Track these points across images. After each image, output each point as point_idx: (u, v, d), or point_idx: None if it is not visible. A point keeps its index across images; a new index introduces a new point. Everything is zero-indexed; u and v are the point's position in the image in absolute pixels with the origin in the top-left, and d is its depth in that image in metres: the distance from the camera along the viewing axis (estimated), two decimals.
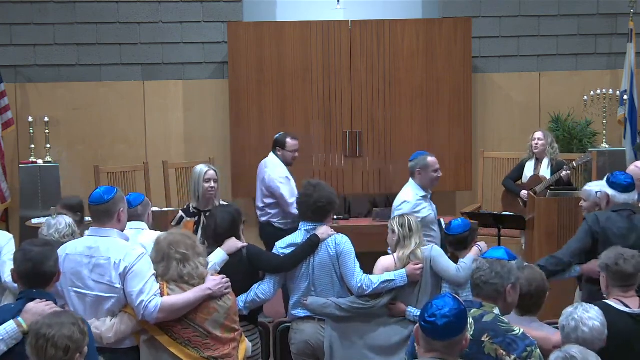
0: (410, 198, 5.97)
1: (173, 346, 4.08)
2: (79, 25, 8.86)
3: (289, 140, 7.33)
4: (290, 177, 7.23)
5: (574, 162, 7.60)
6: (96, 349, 4.04)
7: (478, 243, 5.25)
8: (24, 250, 3.81)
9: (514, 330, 3.42)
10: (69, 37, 8.86)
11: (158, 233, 4.78)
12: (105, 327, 4.07)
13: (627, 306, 3.99)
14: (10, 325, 3.58)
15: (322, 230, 4.94)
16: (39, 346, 3.08)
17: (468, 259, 5.03)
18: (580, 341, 3.55)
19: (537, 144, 7.67)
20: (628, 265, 4.04)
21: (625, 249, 4.18)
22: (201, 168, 5.96)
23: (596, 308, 3.71)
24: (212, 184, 5.91)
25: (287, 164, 7.31)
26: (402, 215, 5.10)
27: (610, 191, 4.98)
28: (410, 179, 6.14)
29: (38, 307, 3.65)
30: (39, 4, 8.79)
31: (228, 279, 4.31)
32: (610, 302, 4.03)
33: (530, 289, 3.98)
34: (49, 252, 3.85)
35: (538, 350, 3.41)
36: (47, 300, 3.73)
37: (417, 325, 3.08)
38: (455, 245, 5.27)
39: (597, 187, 5.42)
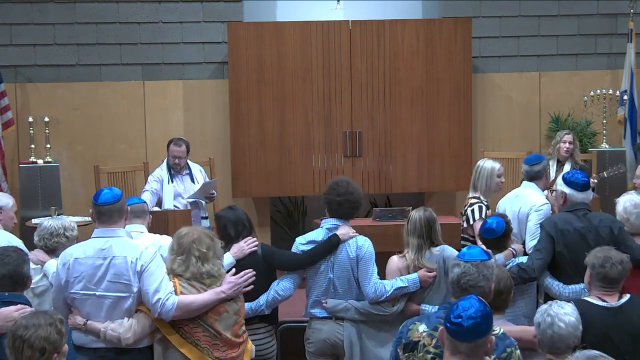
0: (545, 201, 5.77)
1: (184, 347, 4.10)
2: (79, 25, 8.86)
3: (171, 145, 7.65)
4: (162, 179, 7.56)
5: (604, 173, 7.51)
6: (109, 349, 4.08)
7: (513, 246, 5.14)
8: (0, 256, 3.83)
9: (494, 331, 3.43)
10: (69, 37, 8.86)
11: (157, 236, 4.80)
12: (123, 328, 4.08)
13: (604, 301, 4.04)
14: None
15: (344, 231, 4.92)
16: (15, 347, 3.11)
17: (497, 258, 4.96)
18: (556, 337, 3.58)
19: (567, 147, 7.49)
20: (614, 270, 4.05)
21: (614, 251, 4.18)
22: (492, 164, 6.15)
23: (571, 304, 3.75)
24: (503, 179, 6.22)
25: (171, 167, 7.64)
26: (412, 211, 5.05)
27: (567, 190, 4.97)
28: (530, 182, 5.91)
29: (8, 312, 3.68)
30: (39, 4, 8.79)
31: (251, 274, 4.36)
32: (588, 298, 4.08)
33: (499, 286, 4.01)
34: (24, 256, 3.93)
35: (518, 351, 3.43)
36: (21, 303, 3.76)
37: (442, 327, 3.08)
38: (495, 247, 5.05)
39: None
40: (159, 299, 4.04)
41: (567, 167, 7.46)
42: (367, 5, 9.19)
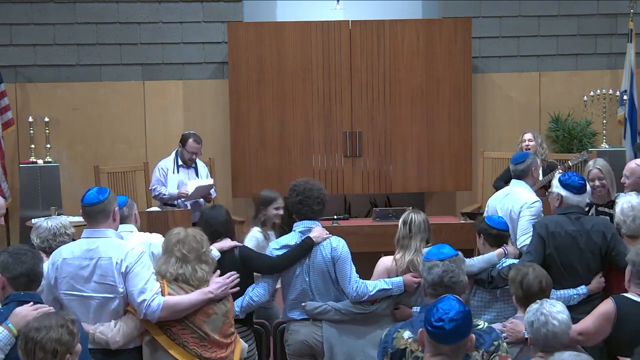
0: (537, 198, 5.78)
1: (173, 348, 4.08)
2: (79, 25, 8.86)
3: (190, 140, 7.72)
4: (167, 169, 7.71)
5: (569, 162, 7.54)
6: (98, 350, 4.07)
7: (505, 246, 5.16)
8: (16, 255, 3.82)
9: (479, 325, 3.45)
10: (69, 37, 8.86)
11: (147, 235, 4.78)
12: (111, 332, 4.06)
13: None
14: (2, 332, 3.59)
15: (316, 233, 4.90)
16: (28, 349, 3.12)
17: (488, 256, 5.00)
18: (550, 335, 3.58)
19: (527, 145, 7.48)
20: None
21: None
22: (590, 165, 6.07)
23: (560, 302, 3.74)
24: (597, 182, 5.96)
25: (183, 161, 7.75)
26: (409, 212, 5.02)
27: (564, 192, 4.95)
28: (520, 180, 5.89)
29: (26, 311, 3.66)
30: (39, 4, 8.79)
31: (236, 276, 4.32)
32: (627, 294, 4.08)
33: (542, 285, 4.04)
34: (38, 254, 3.91)
35: (504, 344, 3.45)
36: (35, 302, 3.75)
37: (421, 329, 3.07)
38: (493, 239, 5.11)
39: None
40: (144, 299, 4.02)
41: None
42: (367, 5, 9.19)
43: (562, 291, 4.77)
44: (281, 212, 5.59)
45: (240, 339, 4.45)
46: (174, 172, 7.69)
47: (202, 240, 4.27)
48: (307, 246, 4.86)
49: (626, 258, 4.19)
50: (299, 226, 4.96)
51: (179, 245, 4.18)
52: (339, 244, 4.89)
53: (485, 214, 6.03)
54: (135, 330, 4.12)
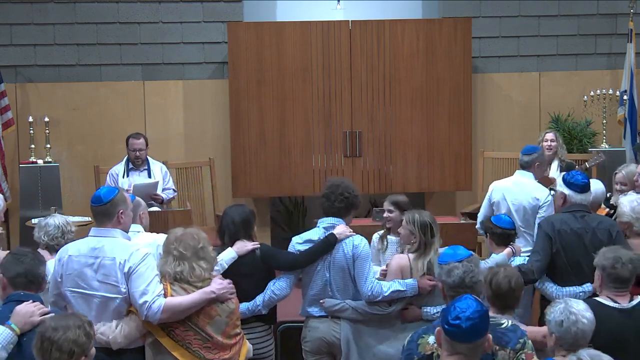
0: (548, 192, 6.03)
1: (176, 349, 4.08)
2: (79, 25, 8.86)
3: (130, 139, 7.72)
4: (117, 173, 7.69)
5: (586, 164, 7.52)
6: (100, 349, 4.07)
7: (513, 245, 5.20)
8: (16, 255, 3.86)
9: (502, 323, 3.44)
10: (69, 37, 8.86)
11: (154, 235, 4.79)
12: (112, 332, 4.07)
13: (616, 302, 4.04)
14: (5, 331, 3.59)
15: (340, 230, 4.90)
16: (44, 348, 3.10)
17: (500, 256, 5.05)
18: (579, 334, 3.57)
19: (550, 145, 7.50)
20: (624, 270, 4.06)
21: (623, 251, 4.18)
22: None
23: (582, 301, 3.75)
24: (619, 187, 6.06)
25: (131, 162, 7.72)
26: (423, 219, 4.94)
27: (567, 191, 4.99)
28: (527, 171, 6.10)
29: (27, 308, 3.67)
30: (39, 4, 8.79)
31: (232, 284, 4.31)
32: (600, 299, 4.08)
33: (511, 285, 4.01)
34: (40, 256, 3.94)
35: (530, 341, 3.45)
36: (34, 302, 3.76)
37: (438, 328, 3.07)
38: (498, 238, 5.16)
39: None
40: (146, 301, 4.02)
41: (553, 166, 7.50)
42: (367, 5, 9.19)
43: (567, 288, 4.78)
44: (386, 214, 5.39)
45: (247, 341, 4.44)
46: (123, 176, 7.63)
47: (199, 237, 4.23)
48: (330, 242, 4.87)
49: (594, 262, 4.19)
50: (323, 222, 4.99)
51: (175, 243, 4.17)
52: (361, 243, 4.91)
53: (488, 200, 6.11)
54: (137, 331, 4.12)
